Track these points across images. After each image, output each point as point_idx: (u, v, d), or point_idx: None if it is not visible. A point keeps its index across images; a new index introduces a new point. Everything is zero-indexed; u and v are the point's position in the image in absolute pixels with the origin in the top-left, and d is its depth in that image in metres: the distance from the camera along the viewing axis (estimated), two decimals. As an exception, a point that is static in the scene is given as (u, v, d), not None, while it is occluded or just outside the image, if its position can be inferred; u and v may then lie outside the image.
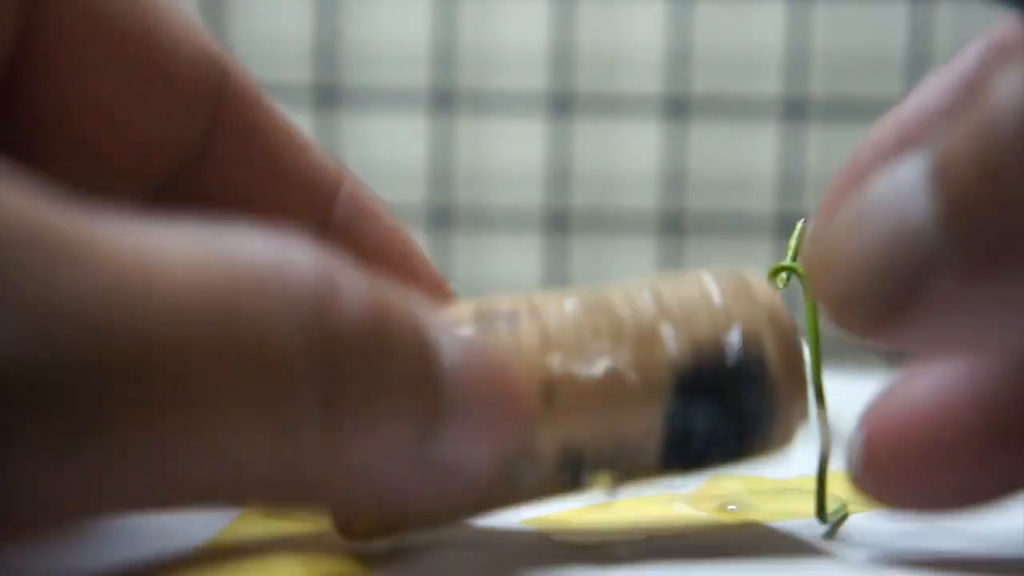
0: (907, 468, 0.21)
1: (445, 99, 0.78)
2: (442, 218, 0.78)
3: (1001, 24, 0.21)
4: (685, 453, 0.21)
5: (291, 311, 0.15)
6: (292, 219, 0.23)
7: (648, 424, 0.20)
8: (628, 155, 0.78)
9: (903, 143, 0.21)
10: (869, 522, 0.25)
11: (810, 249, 0.19)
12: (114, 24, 0.20)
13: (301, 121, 0.80)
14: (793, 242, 0.24)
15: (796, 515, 0.25)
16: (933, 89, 0.21)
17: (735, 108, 0.77)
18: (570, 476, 0.20)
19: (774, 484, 0.27)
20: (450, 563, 0.21)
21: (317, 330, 0.16)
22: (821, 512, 0.24)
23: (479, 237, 0.78)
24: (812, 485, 0.25)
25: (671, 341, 0.20)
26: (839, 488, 0.25)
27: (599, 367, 0.20)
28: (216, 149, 0.22)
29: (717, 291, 0.21)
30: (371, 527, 0.21)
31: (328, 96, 0.78)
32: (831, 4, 0.77)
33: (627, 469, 0.21)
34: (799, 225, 0.25)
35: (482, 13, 0.78)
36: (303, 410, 0.16)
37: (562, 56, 0.77)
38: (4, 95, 0.20)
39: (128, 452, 0.14)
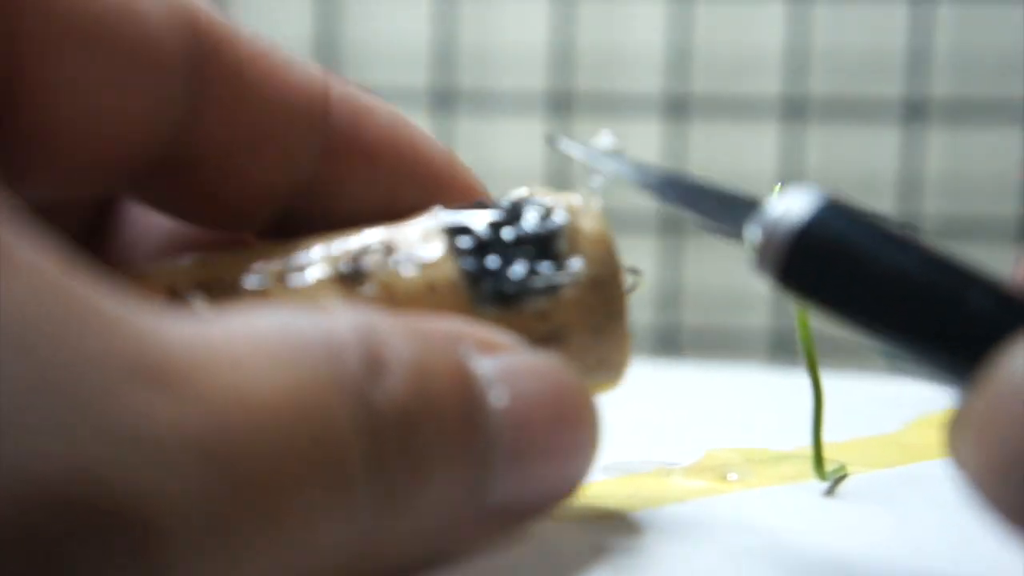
0: None
1: (445, 99, 0.78)
2: (442, 218, 0.78)
3: None
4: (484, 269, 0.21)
5: (344, 397, 0.16)
6: (295, 135, 0.22)
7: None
8: (629, 154, 0.78)
9: None
10: (868, 481, 0.25)
11: (991, 387, 0.16)
12: (91, 15, 0.20)
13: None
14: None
15: (795, 478, 0.25)
16: None
17: (735, 108, 0.77)
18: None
19: (772, 454, 0.27)
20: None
21: (365, 410, 0.16)
22: (819, 467, 0.24)
23: (479, 237, 0.78)
24: (808, 454, 0.25)
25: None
26: (838, 454, 0.25)
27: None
28: (208, 93, 0.21)
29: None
30: None
31: (328, 96, 0.78)
32: (831, 4, 0.77)
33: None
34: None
35: (482, 13, 0.78)
36: (361, 495, 0.16)
37: (562, 56, 0.77)
38: None
39: (245, 565, 0.15)
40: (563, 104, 0.77)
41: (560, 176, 0.77)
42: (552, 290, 0.21)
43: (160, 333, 0.15)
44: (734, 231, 0.20)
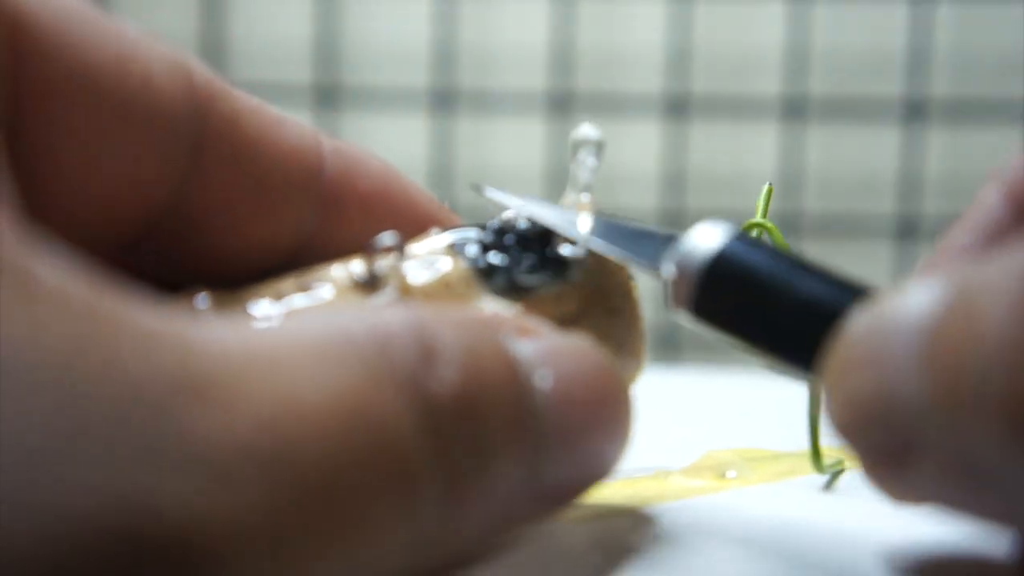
0: None
1: (445, 99, 0.78)
2: (442, 218, 0.78)
3: (1013, 166, 0.21)
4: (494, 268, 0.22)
5: (401, 390, 0.16)
6: (293, 188, 0.22)
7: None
8: (628, 154, 0.78)
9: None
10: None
11: (832, 354, 0.18)
12: (92, 71, 0.19)
13: (301, 121, 0.80)
14: (761, 200, 0.26)
15: (794, 474, 0.25)
16: (962, 231, 0.21)
17: (735, 107, 0.77)
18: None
19: (770, 453, 0.27)
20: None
21: (423, 402, 0.16)
22: (817, 460, 0.24)
23: (479, 237, 0.78)
24: (805, 454, 0.25)
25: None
26: (836, 453, 0.25)
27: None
28: (207, 148, 0.21)
29: None
30: None
31: (328, 96, 0.78)
32: (831, 3, 0.77)
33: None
34: (766, 186, 0.26)
35: (482, 13, 0.78)
36: (425, 491, 0.16)
37: (562, 56, 0.77)
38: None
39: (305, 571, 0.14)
40: (563, 104, 0.77)
41: (560, 175, 0.77)
42: (562, 274, 0.21)
43: (199, 341, 0.14)
44: (651, 267, 0.21)
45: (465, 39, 0.78)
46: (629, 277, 0.22)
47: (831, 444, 0.26)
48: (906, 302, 0.16)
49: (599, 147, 0.24)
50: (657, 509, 0.23)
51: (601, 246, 0.22)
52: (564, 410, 0.18)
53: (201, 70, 0.21)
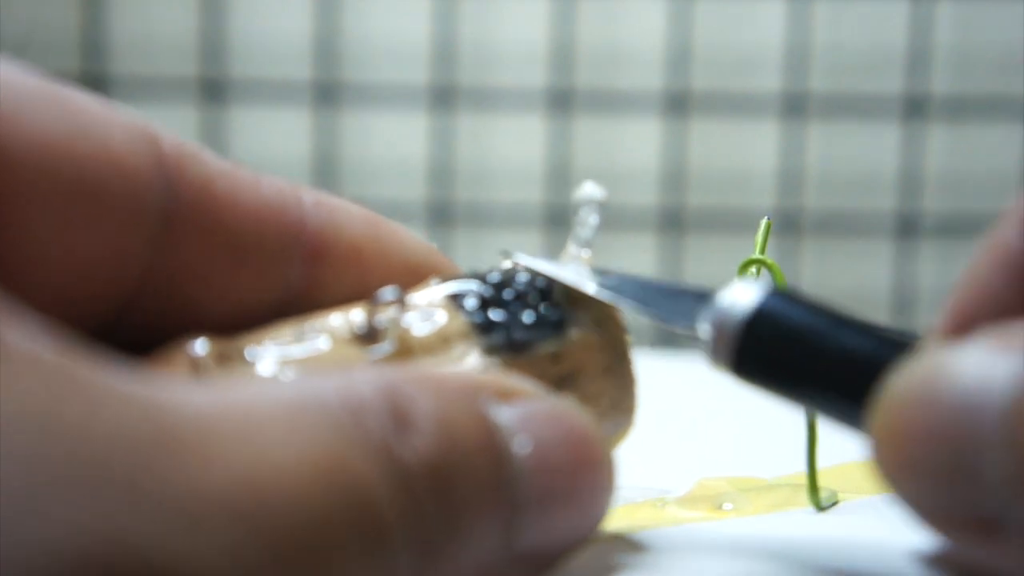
0: None
1: (445, 96, 0.78)
2: (442, 215, 0.78)
3: None
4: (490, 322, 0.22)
5: (373, 457, 0.16)
6: (274, 246, 0.22)
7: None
8: (628, 152, 0.78)
9: (965, 327, 0.20)
10: (859, 506, 0.25)
11: (880, 414, 0.18)
12: (45, 149, 0.19)
13: (301, 118, 0.81)
14: (759, 237, 0.25)
15: (789, 505, 0.25)
16: (985, 270, 0.21)
17: (735, 104, 0.77)
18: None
19: (762, 483, 0.27)
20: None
21: (395, 469, 0.16)
22: (814, 495, 0.24)
23: (479, 234, 0.78)
24: (797, 481, 0.25)
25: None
26: (829, 480, 0.26)
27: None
28: (180, 214, 0.21)
29: None
30: None
31: (328, 93, 0.78)
32: (831, 0, 0.77)
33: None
34: (764, 221, 0.26)
35: (482, 10, 0.78)
36: (399, 552, 0.16)
37: (562, 53, 0.77)
38: None
39: None
40: (563, 101, 0.77)
41: (560, 173, 0.77)
42: (559, 332, 0.21)
43: (172, 403, 0.15)
44: (688, 327, 0.21)
45: (465, 36, 0.78)
46: (625, 335, 0.23)
47: (823, 467, 0.26)
48: (981, 372, 0.16)
49: (602, 206, 0.24)
50: (656, 534, 0.23)
51: (633, 307, 0.22)
52: (542, 477, 0.18)
53: (169, 137, 0.21)
